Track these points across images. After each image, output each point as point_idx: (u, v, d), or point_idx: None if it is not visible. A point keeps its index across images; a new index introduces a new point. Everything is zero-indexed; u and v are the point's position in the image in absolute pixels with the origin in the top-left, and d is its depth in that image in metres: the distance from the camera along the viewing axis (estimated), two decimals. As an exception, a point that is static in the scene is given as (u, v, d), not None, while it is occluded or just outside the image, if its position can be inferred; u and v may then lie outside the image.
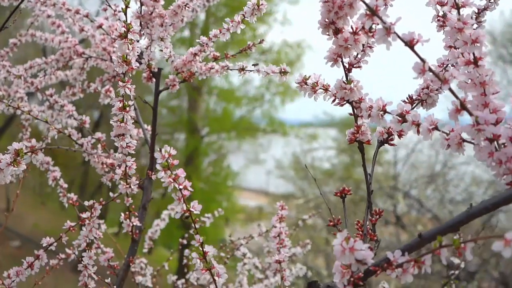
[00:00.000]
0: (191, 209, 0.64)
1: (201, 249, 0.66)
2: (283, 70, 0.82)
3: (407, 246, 0.53)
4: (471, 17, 0.61)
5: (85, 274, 0.95)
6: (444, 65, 0.70)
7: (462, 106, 0.52)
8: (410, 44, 0.51)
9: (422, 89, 0.70)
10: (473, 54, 0.54)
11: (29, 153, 0.69)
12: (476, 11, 0.73)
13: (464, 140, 0.56)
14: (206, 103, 11.76)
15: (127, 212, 0.97)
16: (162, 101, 11.35)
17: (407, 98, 0.70)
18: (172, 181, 0.63)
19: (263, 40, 1.01)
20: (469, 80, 0.57)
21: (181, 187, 0.63)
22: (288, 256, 0.91)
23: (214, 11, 8.82)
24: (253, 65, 0.92)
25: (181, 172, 0.64)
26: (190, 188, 0.63)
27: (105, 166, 1.02)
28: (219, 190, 10.73)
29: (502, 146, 0.53)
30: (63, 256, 1.09)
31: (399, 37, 0.51)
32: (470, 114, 0.52)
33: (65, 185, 1.11)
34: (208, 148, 11.48)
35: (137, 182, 0.92)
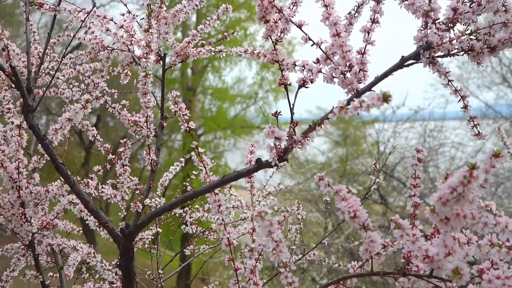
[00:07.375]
0: (189, 126, 1.12)
1: (197, 150, 1.14)
2: (246, 50, 1.30)
3: (304, 131, 1.01)
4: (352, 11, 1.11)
5: (122, 190, 1.43)
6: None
7: (327, 57, 1.01)
8: (299, 26, 1.00)
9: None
10: (336, 29, 1.03)
11: (94, 100, 1.17)
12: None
13: (333, 77, 1.04)
14: (201, 103, 12.24)
15: (147, 150, 1.45)
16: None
17: (316, 59, 1.18)
18: (178, 110, 1.11)
19: (235, 31, 1.50)
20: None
21: (183, 113, 1.11)
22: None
23: (205, 13, 9.32)
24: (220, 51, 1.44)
25: (183, 105, 1.12)
26: (188, 114, 1.12)
27: (130, 121, 1.49)
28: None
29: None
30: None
31: (292, 22, 1.00)
32: (331, 61, 1.01)
33: (101, 140, 1.59)
34: (205, 147, 11.95)
35: (154, 127, 1.40)
